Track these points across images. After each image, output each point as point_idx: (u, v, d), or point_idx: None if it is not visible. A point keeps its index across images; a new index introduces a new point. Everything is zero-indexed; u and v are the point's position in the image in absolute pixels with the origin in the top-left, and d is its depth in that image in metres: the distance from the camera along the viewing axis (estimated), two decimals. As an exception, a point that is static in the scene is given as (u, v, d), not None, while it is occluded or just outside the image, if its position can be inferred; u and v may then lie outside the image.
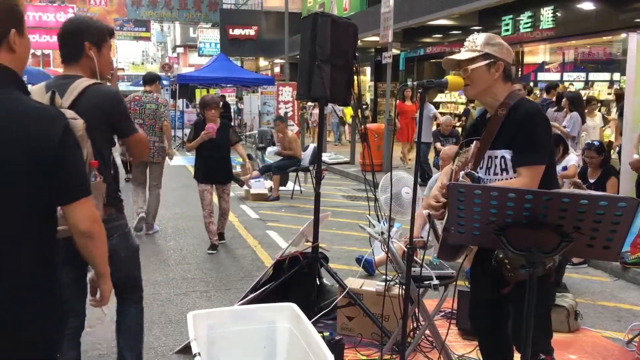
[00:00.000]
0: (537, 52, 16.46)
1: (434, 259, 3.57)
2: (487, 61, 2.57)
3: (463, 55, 2.59)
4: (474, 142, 2.56)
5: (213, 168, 6.39)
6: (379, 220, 3.88)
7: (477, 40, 2.59)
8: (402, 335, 2.77)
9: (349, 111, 19.28)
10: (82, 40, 2.74)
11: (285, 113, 18.06)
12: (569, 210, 1.82)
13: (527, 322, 2.03)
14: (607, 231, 1.83)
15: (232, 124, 22.14)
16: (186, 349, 3.94)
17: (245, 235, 7.34)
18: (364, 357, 3.82)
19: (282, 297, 3.71)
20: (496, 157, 2.56)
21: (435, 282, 3.26)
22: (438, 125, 11.82)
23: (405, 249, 3.55)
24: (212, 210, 6.41)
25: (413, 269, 3.30)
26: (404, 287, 3.38)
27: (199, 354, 2.27)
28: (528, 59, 16.65)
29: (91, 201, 1.93)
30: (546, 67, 16.24)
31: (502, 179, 2.56)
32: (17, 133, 1.73)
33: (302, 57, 4.07)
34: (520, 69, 16.78)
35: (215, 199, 6.55)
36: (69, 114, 2.20)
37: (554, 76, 16.29)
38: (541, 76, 16.56)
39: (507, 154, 2.52)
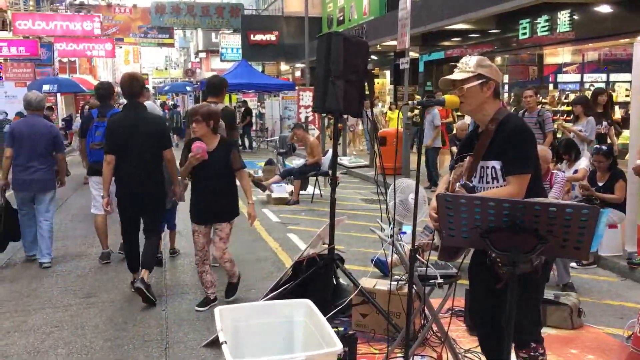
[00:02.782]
0: (556, 54, 16.56)
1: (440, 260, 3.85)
2: (480, 81, 2.87)
3: (458, 75, 2.89)
4: (467, 157, 2.85)
5: (210, 203, 4.90)
6: (390, 224, 4.18)
7: (469, 62, 2.89)
8: (406, 330, 3.06)
9: (395, 115, 19.48)
10: (224, 87, 6.18)
11: (306, 117, 18.41)
12: (541, 216, 2.11)
13: (509, 313, 2.31)
14: (576, 234, 2.12)
15: (254, 128, 22.65)
16: (212, 344, 4.28)
17: (266, 238, 7.69)
18: (376, 351, 4.12)
19: (300, 296, 4.00)
20: (487, 167, 2.85)
21: (440, 280, 3.55)
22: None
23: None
24: (206, 256, 5.06)
25: (420, 268, 3.62)
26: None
27: (225, 342, 2.60)
28: (548, 61, 16.77)
29: (172, 150, 5.43)
30: (564, 69, 16.33)
31: (493, 187, 2.85)
32: (153, 125, 5.34)
33: (318, 72, 4.41)
34: (540, 71, 16.93)
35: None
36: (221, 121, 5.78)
37: (574, 77, 16.37)
38: (561, 78, 16.66)
39: (497, 164, 2.82)
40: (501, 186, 2.83)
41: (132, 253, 5.45)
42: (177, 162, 5.18)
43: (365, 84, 4.39)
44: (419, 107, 2.87)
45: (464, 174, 2.84)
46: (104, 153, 5.26)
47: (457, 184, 2.81)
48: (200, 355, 4.20)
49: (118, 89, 8.63)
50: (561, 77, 16.64)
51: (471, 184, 2.81)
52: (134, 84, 5.32)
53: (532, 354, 2.91)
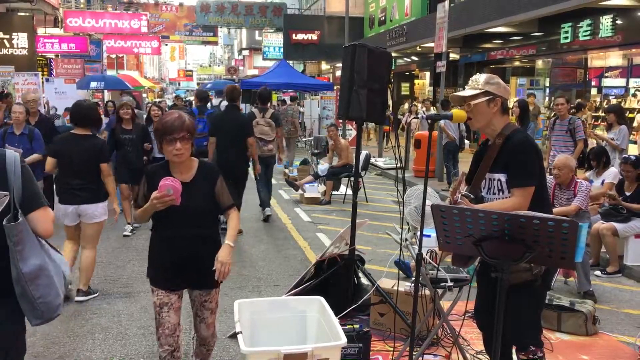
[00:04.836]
0: (600, 58, 16.33)
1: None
2: (487, 97, 3.04)
3: (466, 92, 3.08)
4: (461, 172, 3.05)
5: (187, 262, 3.27)
6: (407, 227, 4.37)
7: (479, 80, 3.07)
8: (411, 330, 3.26)
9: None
10: (271, 96, 9.10)
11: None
12: (527, 228, 2.28)
13: (498, 317, 2.49)
14: (560, 245, 2.28)
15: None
16: (236, 335, 4.55)
17: (296, 237, 7.95)
18: (390, 349, 4.32)
19: (321, 293, 4.20)
20: (494, 179, 3.03)
21: (450, 283, 3.73)
22: None
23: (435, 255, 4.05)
24: (177, 344, 3.30)
25: (432, 271, 3.81)
26: (424, 287, 3.89)
27: (241, 332, 2.86)
28: (592, 64, 16.56)
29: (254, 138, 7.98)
30: (607, 74, 16.08)
31: (499, 198, 3.03)
32: (240, 120, 7.89)
33: (343, 81, 4.63)
34: (585, 75, 16.73)
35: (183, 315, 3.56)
36: (269, 121, 8.51)
37: (619, 82, 16.11)
38: (604, 82, 16.41)
39: (502, 177, 3.00)
40: (506, 197, 3.00)
41: None
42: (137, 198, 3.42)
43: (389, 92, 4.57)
44: (429, 120, 3.05)
45: (457, 186, 3.03)
46: (209, 136, 7.74)
47: (458, 195, 3.01)
48: (225, 345, 4.49)
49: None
50: (605, 82, 16.39)
51: (472, 195, 2.99)
52: (234, 92, 7.87)
53: (531, 356, 3.07)
